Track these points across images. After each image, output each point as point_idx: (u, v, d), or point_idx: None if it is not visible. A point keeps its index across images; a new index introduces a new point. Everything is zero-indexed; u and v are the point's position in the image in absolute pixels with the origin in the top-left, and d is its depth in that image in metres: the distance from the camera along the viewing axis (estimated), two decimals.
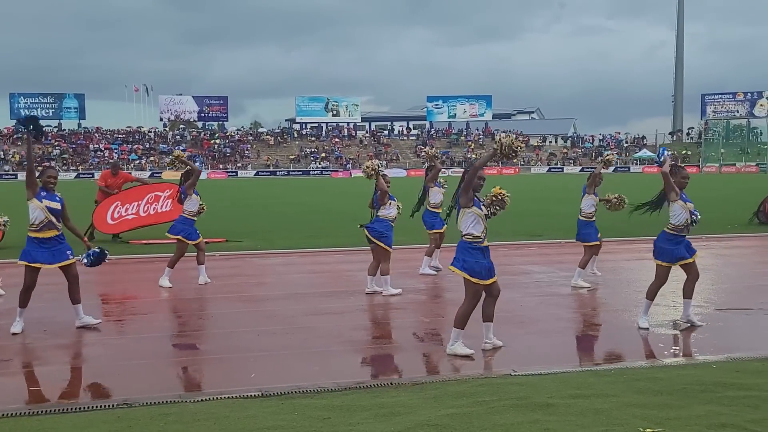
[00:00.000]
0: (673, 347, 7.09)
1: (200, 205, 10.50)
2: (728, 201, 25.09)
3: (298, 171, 77.02)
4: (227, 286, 10.37)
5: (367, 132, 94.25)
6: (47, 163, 53.67)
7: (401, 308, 9.03)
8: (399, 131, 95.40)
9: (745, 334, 7.63)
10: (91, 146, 77.60)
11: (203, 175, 50.12)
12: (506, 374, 6.08)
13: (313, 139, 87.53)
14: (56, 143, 77.24)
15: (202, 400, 5.41)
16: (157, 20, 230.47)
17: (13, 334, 7.52)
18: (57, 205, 7.63)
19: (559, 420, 4.73)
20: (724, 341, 7.26)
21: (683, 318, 7.86)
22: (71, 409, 5.27)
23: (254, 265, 12.74)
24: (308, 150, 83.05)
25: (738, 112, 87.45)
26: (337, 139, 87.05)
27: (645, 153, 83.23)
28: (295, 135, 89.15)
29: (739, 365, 6.20)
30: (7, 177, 68.05)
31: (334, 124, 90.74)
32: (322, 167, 78.55)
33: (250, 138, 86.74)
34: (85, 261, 8.21)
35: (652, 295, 7.76)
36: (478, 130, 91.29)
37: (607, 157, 11.03)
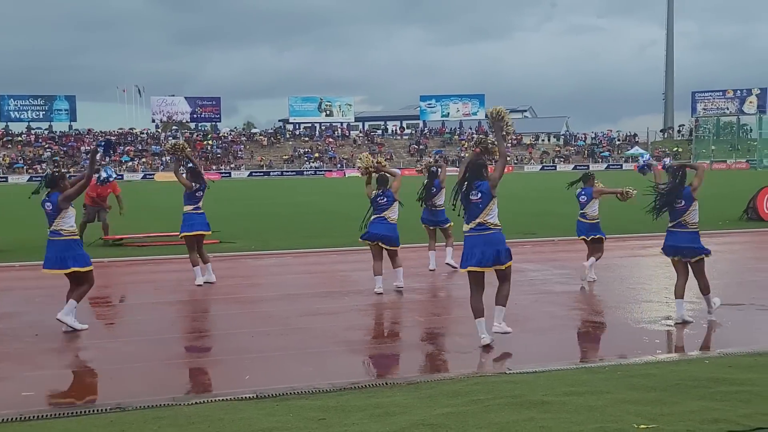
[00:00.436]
0: (667, 343, 7.12)
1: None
2: (719, 197, 25.18)
3: (292, 171, 76.90)
4: (221, 288, 10.34)
5: (360, 132, 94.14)
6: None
7: (396, 308, 9.04)
8: (392, 131, 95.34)
9: (737, 329, 7.66)
10: (82, 148, 77.27)
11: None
12: (501, 372, 6.09)
13: (306, 139, 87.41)
14: (47, 145, 76.92)
15: (196, 402, 5.39)
16: (150, 21, 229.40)
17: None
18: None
19: (553, 417, 4.73)
20: (716, 337, 7.29)
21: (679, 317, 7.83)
22: (63, 414, 5.24)
23: (248, 266, 12.72)
24: (302, 150, 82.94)
25: (728, 109, 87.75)
26: (330, 139, 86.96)
27: (637, 150, 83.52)
28: (289, 135, 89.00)
29: (732, 360, 6.22)
30: None
31: (328, 124, 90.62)
32: (316, 167, 78.45)
33: (244, 139, 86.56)
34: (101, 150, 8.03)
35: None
36: (471, 128, 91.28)
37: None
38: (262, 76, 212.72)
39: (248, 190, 42.62)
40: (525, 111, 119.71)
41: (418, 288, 10.20)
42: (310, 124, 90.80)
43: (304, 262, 13.02)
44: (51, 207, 7.67)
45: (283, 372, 6.28)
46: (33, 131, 79.90)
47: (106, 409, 5.28)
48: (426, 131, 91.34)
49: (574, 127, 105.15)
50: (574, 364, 6.37)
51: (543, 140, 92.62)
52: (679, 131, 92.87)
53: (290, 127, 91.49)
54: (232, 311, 8.91)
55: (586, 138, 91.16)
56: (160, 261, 13.19)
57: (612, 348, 7.13)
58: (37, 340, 7.51)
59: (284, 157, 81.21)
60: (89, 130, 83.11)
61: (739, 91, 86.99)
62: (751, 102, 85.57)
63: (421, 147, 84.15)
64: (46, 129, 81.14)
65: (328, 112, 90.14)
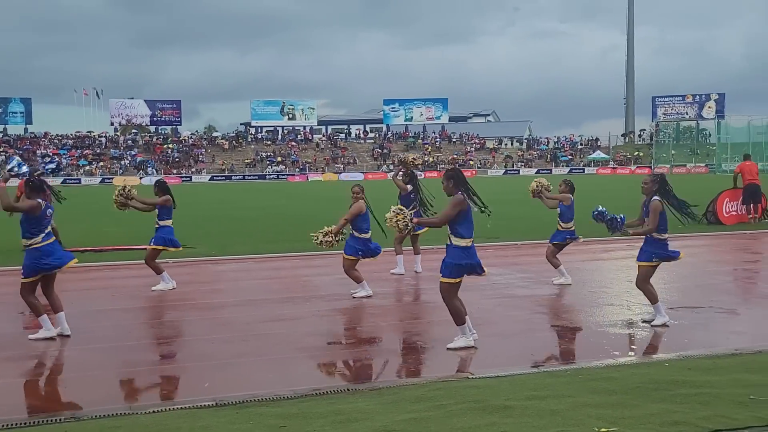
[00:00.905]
0: (628, 346, 7.18)
1: None
2: None
3: (254, 175, 76.34)
4: (181, 294, 10.17)
5: (323, 135, 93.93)
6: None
7: (359, 313, 8.98)
8: (356, 134, 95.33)
9: (696, 332, 7.77)
10: (38, 152, 75.70)
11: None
12: (464, 377, 6.08)
13: (268, 143, 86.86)
14: (1, 148, 75.12)
15: (153, 411, 5.27)
16: (109, 23, 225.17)
17: None
18: None
19: (515, 422, 4.73)
20: (676, 340, 7.38)
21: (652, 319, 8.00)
22: (16, 424, 5.08)
23: (209, 272, 12.54)
24: (264, 154, 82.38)
25: (687, 114, 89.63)
26: (293, 143, 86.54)
27: (599, 155, 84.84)
28: (251, 139, 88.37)
29: (691, 363, 6.31)
30: None
31: (290, 128, 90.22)
32: (279, 171, 78.00)
33: (205, 142, 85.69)
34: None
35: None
36: (434, 132, 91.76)
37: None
38: (223, 79, 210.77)
39: (209, 195, 42.17)
40: (488, 115, 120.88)
41: (382, 293, 10.15)
42: (272, 128, 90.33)
43: (266, 267, 12.89)
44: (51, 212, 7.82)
45: (244, 379, 6.19)
46: None
47: (60, 419, 5.14)
48: (389, 135, 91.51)
49: (537, 132, 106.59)
50: (537, 368, 6.39)
51: (506, 144, 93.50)
52: (640, 135, 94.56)
53: (252, 130, 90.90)
54: (191, 318, 8.77)
55: (549, 142, 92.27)
56: (117, 267, 12.93)
57: (574, 351, 7.18)
58: None
59: (246, 161, 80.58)
60: (46, 133, 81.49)
61: (698, 96, 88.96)
62: (709, 107, 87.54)
63: (384, 151, 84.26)
64: (0, 132, 79.32)
65: (290, 116, 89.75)
